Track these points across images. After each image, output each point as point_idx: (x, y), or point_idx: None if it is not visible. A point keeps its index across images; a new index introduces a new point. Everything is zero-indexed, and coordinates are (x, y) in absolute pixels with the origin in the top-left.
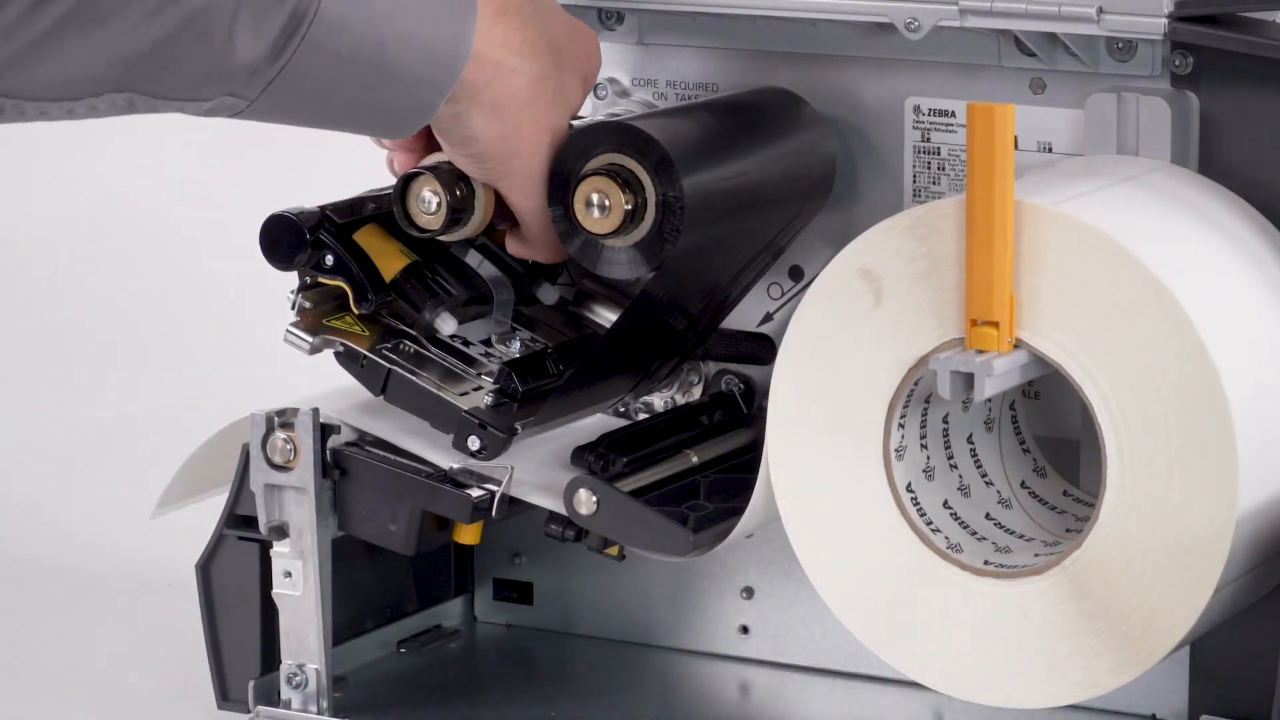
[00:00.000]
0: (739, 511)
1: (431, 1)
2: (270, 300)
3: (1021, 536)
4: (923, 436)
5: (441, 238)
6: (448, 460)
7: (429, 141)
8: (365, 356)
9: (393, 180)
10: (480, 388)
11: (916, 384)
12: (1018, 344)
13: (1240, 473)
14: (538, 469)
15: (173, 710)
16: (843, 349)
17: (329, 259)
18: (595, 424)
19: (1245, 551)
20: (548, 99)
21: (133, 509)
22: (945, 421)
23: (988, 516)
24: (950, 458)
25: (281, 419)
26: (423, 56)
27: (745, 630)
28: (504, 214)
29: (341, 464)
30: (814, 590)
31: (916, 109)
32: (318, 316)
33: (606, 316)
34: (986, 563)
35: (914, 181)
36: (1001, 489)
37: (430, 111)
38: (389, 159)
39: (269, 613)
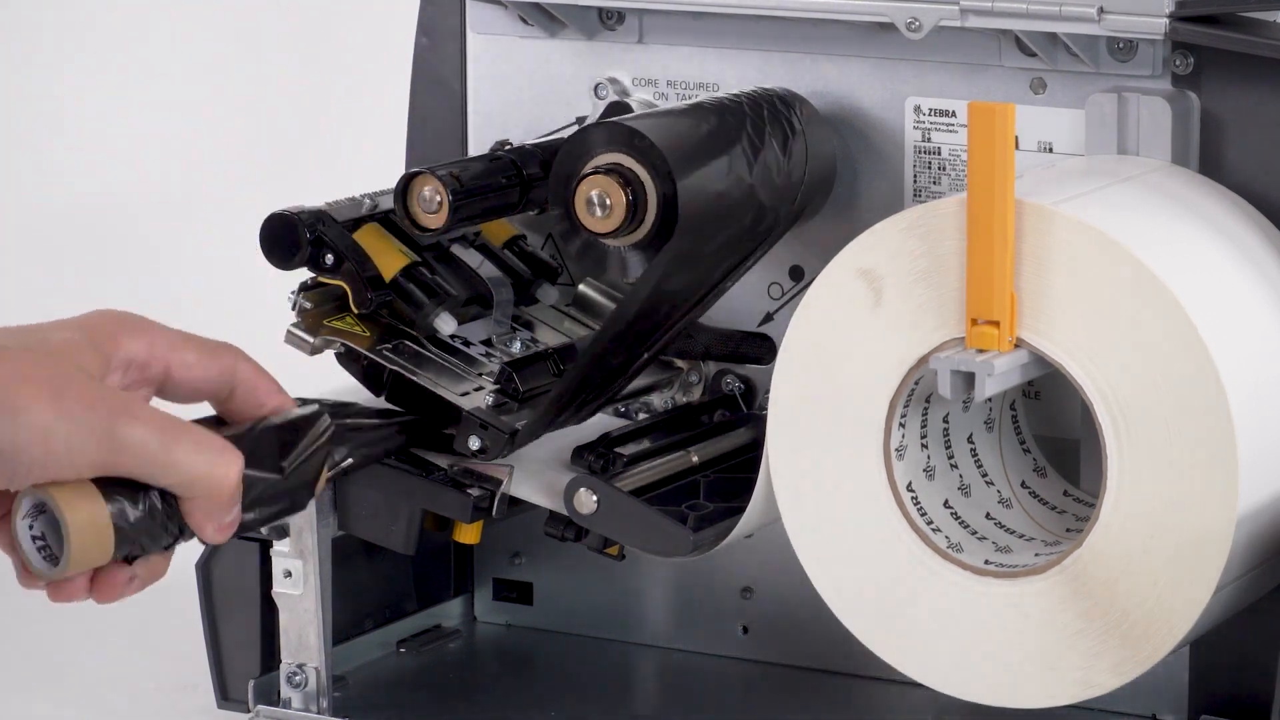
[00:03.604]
0: (739, 511)
1: None
2: (270, 300)
3: (1022, 536)
4: (923, 436)
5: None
6: (448, 460)
7: None
8: (366, 357)
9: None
10: (481, 388)
11: (917, 384)
12: (1018, 343)
13: (1240, 473)
14: (538, 469)
15: (173, 710)
16: (843, 349)
17: (329, 258)
18: (595, 424)
19: (1245, 551)
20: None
21: None
22: (946, 421)
23: (988, 516)
24: (950, 457)
25: None
26: None
27: (745, 630)
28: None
29: None
30: (814, 590)
31: (917, 109)
32: (318, 317)
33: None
34: (987, 562)
35: (914, 181)
36: (1002, 489)
37: None
38: None
39: (269, 612)
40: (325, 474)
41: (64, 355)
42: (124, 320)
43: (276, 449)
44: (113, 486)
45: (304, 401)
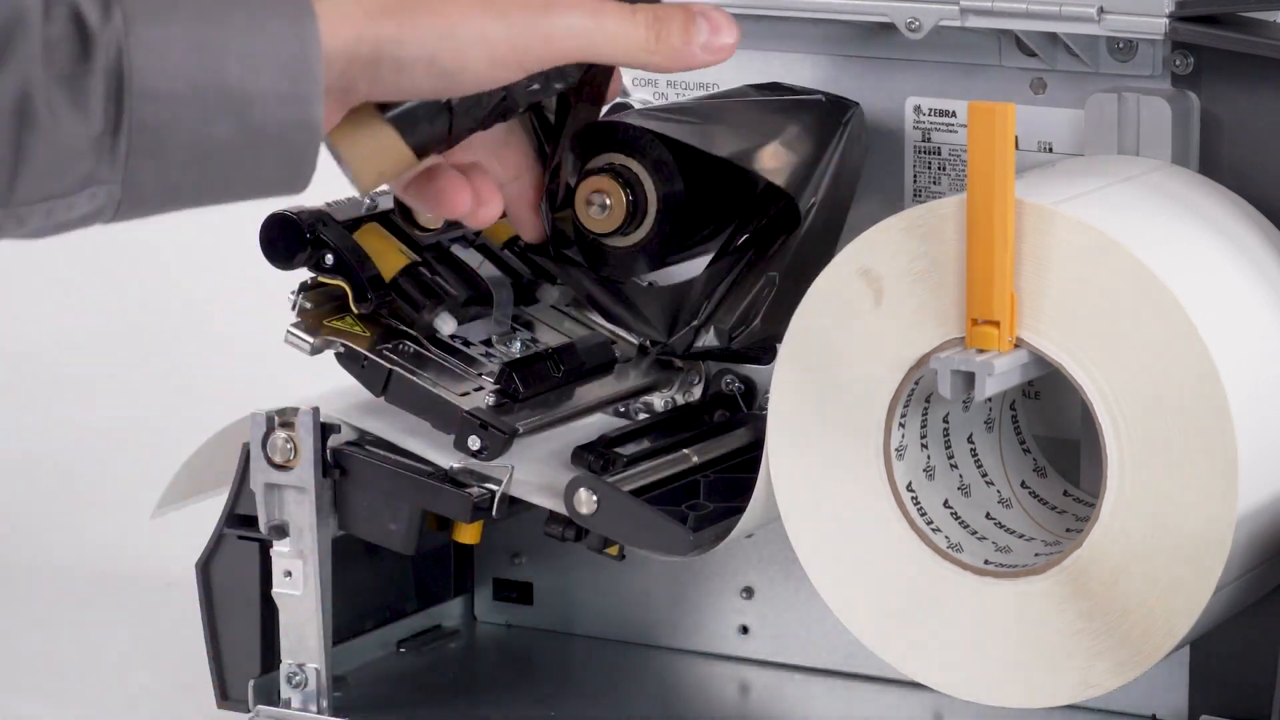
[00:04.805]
0: (739, 511)
1: (258, 12)
2: (270, 300)
3: (1022, 536)
4: (923, 436)
5: (442, 237)
6: (448, 460)
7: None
8: (366, 357)
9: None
10: (481, 388)
11: (917, 384)
12: (1018, 343)
13: (1240, 473)
14: (538, 469)
15: (173, 710)
16: (843, 349)
17: (329, 258)
18: (595, 424)
19: (1245, 551)
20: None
21: (133, 509)
22: (945, 421)
23: (988, 516)
24: (950, 457)
25: (282, 418)
26: (270, 66)
27: (745, 630)
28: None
29: (341, 463)
30: (814, 590)
31: (917, 109)
32: (318, 317)
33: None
34: (987, 562)
35: (914, 181)
36: (1002, 489)
37: (313, 130)
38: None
39: (269, 612)
40: None
41: None
42: None
43: None
44: None
45: None
